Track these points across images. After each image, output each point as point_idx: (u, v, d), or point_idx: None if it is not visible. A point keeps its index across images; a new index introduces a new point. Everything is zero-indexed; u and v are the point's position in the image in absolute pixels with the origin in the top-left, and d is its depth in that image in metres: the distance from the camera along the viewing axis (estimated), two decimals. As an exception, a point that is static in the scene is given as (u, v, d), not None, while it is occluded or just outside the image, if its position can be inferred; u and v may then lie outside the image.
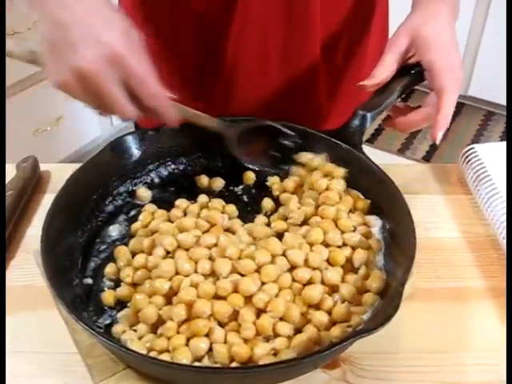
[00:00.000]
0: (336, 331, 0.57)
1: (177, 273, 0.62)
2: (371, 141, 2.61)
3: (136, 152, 0.75)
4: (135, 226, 0.71)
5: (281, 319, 0.58)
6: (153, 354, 0.56)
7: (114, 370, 0.57)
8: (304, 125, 0.76)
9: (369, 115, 0.73)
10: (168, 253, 0.66)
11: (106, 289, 0.64)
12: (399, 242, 0.64)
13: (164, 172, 0.78)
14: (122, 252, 0.67)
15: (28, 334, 0.63)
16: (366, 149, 0.73)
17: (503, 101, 2.76)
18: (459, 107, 2.86)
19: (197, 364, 0.54)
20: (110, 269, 0.66)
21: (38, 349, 0.61)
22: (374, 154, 0.72)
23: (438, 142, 0.71)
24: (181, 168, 0.79)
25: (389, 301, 0.54)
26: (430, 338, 0.64)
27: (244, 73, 0.86)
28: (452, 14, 0.75)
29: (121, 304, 0.63)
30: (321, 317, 0.58)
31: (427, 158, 2.59)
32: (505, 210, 0.74)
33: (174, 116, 0.66)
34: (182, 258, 0.63)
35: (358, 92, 0.85)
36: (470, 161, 0.83)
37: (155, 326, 0.59)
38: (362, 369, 0.60)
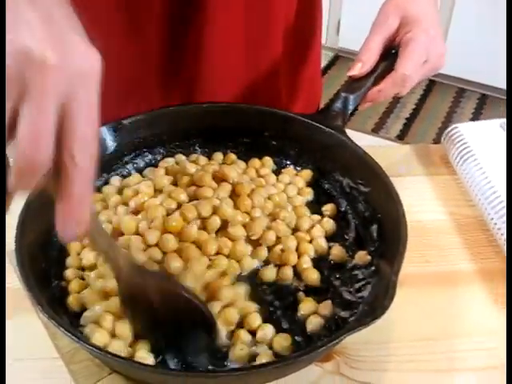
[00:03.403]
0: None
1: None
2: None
3: (111, 144, 0.71)
4: None
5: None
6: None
7: (99, 376, 0.54)
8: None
9: (351, 97, 0.71)
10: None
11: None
12: (388, 227, 0.62)
13: (141, 163, 0.75)
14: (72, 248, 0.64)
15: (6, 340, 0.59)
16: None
17: (475, 78, 2.77)
18: (430, 85, 2.87)
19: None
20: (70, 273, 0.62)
21: (17, 355, 0.58)
22: (348, 134, 0.71)
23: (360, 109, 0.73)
24: (158, 158, 0.76)
25: (382, 291, 0.52)
26: (423, 325, 0.62)
27: (206, 69, 0.81)
28: None
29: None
30: None
31: (401, 137, 2.59)
32: (492, 190, 0.72)
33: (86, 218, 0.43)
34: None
35: (312, 86, 0.92)
36: (453, 141, 0.82)
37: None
38: (355, 360, 0.59)
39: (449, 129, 0.84)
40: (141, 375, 0.52)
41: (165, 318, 0.54)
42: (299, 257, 0.64)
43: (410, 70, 0.69)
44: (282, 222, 0.66)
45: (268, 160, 0.75)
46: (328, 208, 0.70)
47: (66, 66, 0.37)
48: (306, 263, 0.64)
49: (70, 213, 0.42)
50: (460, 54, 2.56)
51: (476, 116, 2.70)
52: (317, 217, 0.69)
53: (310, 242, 0.66)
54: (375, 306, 0.51)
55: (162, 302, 0.53)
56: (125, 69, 0.81)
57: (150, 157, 0.75)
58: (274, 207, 0.68)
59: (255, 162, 0.75)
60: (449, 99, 2.82)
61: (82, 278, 0.61)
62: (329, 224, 0.68)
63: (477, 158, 0.77)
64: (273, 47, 0.84)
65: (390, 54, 0.72)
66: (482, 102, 2.80)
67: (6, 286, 0.64)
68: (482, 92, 2.83)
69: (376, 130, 2.63)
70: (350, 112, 0.71)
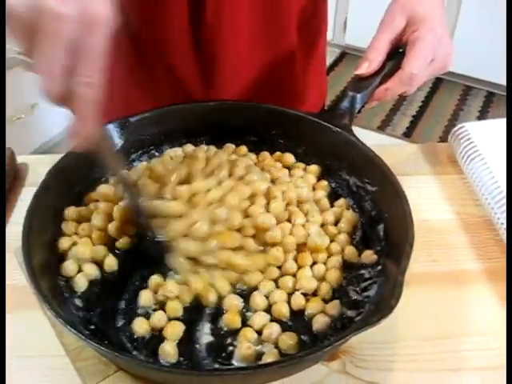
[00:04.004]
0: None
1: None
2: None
3: (118, 141, 0.71)
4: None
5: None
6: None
7: (106, 374, 0.54)
8: (284, 103, 0.74)
9: (358, 96, 0.71)
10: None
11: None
12: (395, 227, 0.62)
13: (148, 160, 0.75)
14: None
15: (12, 337, 0.59)
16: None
17: (482, 75, 2.76)
18: (437, 83, 2.86)
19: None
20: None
21: (24, 352, 0.58)
22: (354, 132, 0.70)
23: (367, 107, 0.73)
24: (165, 156, 0.76)
25: (389, 291, 0.52)
26: (429, 325, 0.62)
27: (222, 57, 0.82)
28: None
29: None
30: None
31: (408, 135, 2.58)
32: (499, 190, 0.72)
33: (90, 126, 0.51)
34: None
35: (320, 69, 0.94)
36: (460, 140, 0.82)
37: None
38: (361, 359, 0.59)
39: (456, 128, 0.84)
40: (146, 373, 0.53)
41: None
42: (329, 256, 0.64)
43: (417, 69, 0.68)
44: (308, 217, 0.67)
45: (280, 155, 0.75)
46: (340, 203, 0.70)
47: (78, 15, 0.45)
48: (337, 262, 0.63)
49: (79, 126, 0.51)
50: (467, 52, 2.55)
51: (483, 114, 2.69)
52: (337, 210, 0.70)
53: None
54: (382, 306, 0.51)
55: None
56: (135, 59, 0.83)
57: (156, 154, 0.76)
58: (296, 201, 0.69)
59: (265, 154, 0.75)
60: (455, 97, 2.81)
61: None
62: (353, 216, 0.68)
63: (484, 157, 0.77)
64: (287, 37, 0.85)
65: (397, 54, 0.71)
66: (489, 100, 2.79)
67: (12, 283, 0.64)
68: (489, 90, 2.82)
69: (382, 128, 2.63)
70: (357, 111, 0.71)
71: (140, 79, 0.85)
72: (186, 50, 0.82)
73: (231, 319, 0.57)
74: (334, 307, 0.58)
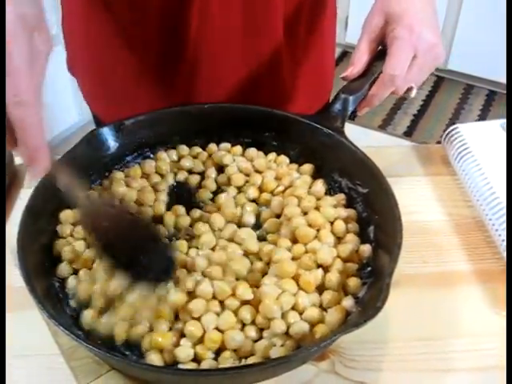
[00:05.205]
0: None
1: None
2: (352, 117, 2.56)
3: (113, 144, 0.72)
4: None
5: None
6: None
7: (99, 373, 0.56)
8: (271, 106, 0.75)
9: (351, 98, 0.72)
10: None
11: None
12: (385, 229, 0.63)
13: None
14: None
15: (9, 336, 0.60)
16: (348, 126, 0.72)
17: (483, 74, 2.76)
18: (438, 81, 2.86)
19: (182, 366, 0.53)
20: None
21: (20, 352, 0.60)
22: (355, 131, 0.71)
23: (359, 114, 0.73)
24: (160, 158, 0.77)
25: (377, 292, 0.53)
26: (419, 325, 0.63)
27: (207, 56, 0.82)
28: None
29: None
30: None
31: (408, 134, 2.58)
32: (491, 191, 0.73)
33: (44, 163, 0.52)
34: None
35: (317, 68, 0.91)
36: (453, 141, 0.82)
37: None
38: (350, 359, 0.59)
39: (449, 129, 0.84)
40: (138, 373, 0.54)
41: (119, 238, 0.59)
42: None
43: (398, 70, 0.68)
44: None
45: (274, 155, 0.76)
46: (340, 198, 0.70)
47: None
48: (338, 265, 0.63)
49: (29, 158, 0.51)
50: (468, 50, 2.56)
51: (484, 112, 2.69)
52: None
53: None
54: (368, 307, 0.52)
55: (114, 224, 0.60)
56: (125, 65, 0.83)
57: (151, 156, 0.76)
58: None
59: (258, 153, 0.76)
60: (457, 96, 2.81)
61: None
62: (352, 213, 0.69)
63: (476, 158, 0.78)
64: (272, 34, 0.84)
65: (384, 53, 0.71)
66: (491, 99, 2.78)
67: (10, 283, 0.65)
68: (491, 88, 2.82)
69: (383, 127, 2.62)
70: (349, 113, 0.72)
71: (132, 78, 0.86)
72: (169, 51, 0.82)
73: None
74: None
